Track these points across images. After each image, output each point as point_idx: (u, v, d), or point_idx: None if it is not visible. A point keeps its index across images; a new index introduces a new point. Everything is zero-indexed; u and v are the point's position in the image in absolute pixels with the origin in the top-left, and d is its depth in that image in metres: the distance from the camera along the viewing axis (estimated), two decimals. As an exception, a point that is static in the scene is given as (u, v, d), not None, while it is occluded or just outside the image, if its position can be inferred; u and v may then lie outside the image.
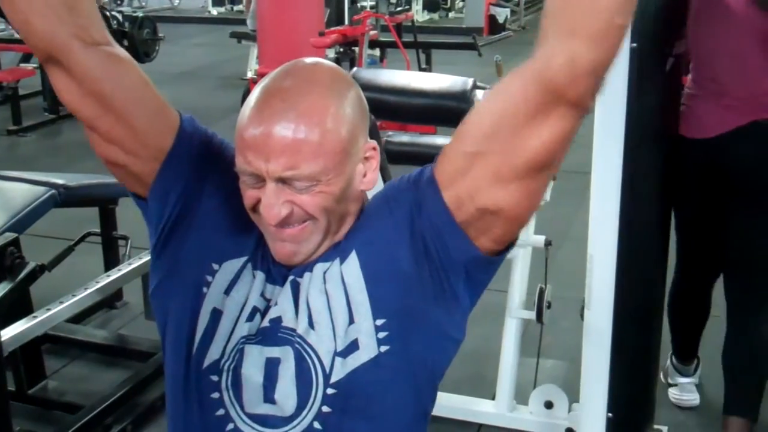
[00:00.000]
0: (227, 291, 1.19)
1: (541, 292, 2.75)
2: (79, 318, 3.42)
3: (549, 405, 2.75)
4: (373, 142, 1.21)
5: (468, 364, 2.93)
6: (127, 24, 7.29)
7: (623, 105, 2.09)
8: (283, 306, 1.17)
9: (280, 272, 1.20)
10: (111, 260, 3.53)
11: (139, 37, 7.26)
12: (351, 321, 1.14)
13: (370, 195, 1.27)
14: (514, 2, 13.60)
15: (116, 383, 2.95)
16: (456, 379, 1.28)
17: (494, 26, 12.07)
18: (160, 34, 7.56)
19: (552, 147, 1.08)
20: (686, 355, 2.97)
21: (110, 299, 3.59)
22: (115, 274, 3.02)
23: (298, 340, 1.15)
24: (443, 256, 1.15)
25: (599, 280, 2.36)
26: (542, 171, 1.11)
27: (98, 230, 3.55)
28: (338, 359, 1.13)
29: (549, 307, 2.76)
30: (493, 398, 2.82)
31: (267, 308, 1.18)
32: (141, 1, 15.27)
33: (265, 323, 1.16)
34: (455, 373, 1.25)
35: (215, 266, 1.20)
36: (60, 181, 3.10)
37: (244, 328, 1.17)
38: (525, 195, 1.12)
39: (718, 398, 3.00)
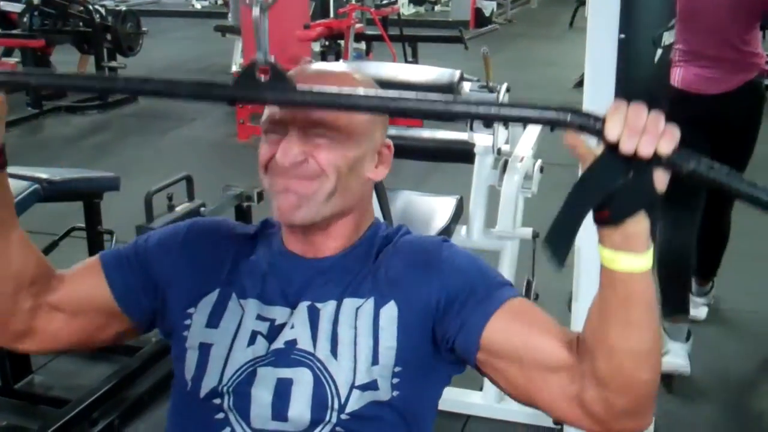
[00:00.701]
0: (210, 324, 1.23)
1: (529, 284, 2.75)
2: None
3: (537, 397, 2.75)
4: (390, 142, 1.28)
5: (456, 356, 2.92)
6: (110, 18, 7.26)
7: (611, 96, 2.09)
8: (299, 330, 1.20)
9: (282, 293, 1.23)
10: (96, 255, 3.51)
11: (122, 31, 7.23)
12: (375, 362, 1.17)
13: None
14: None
15: (103, 377, 2.93)
16: (444, 371, 1.30)
17: (480, 19, 12.08)
18: (143, 28, 7.53)
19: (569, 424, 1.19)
20: (679, 308, 3.04)
21: (96, 294, 3.57)
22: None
23: (318, 365, 1.17)
24: (453, 350, 1.21)
25: (587, 272, 2.36)
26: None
27: (83, 225, 3.53)
28: (356, 391, 1.16)
29: (537, 298, 2.76)
30: (481, 389, 2.82)
31: (273, 329, 1.20)
32: (124, -6, 15.18)
33: (279, 345, 1.19)
34: (443, 365, 1.27)
35: (191, 310, 1.25)
36: (44, 176, 3.07)
37: (247, 353, 1.20)
38: (525, 402, 1.19)
39: (709, 391, 3.02)
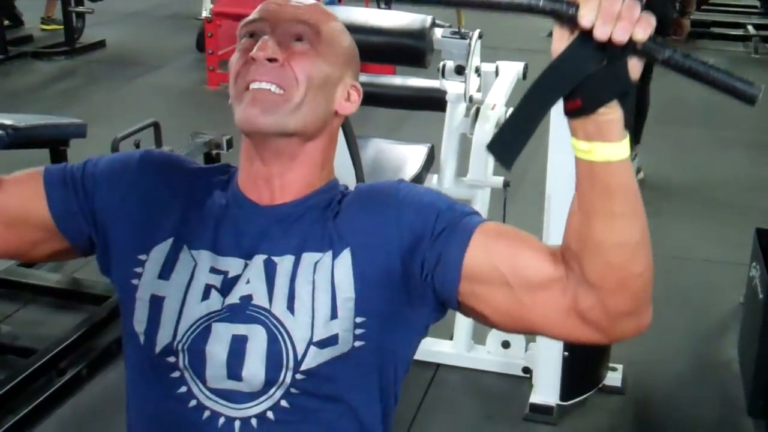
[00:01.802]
0: (162, 275, 1.17)
1: (500, 233, 2.74)
2: (31, 262, 3.36)
3: (506, 345, 2.77)
4: (359, 86, 1.22)
5: (426, 305, 2.94)
6: (77, -40, 7.09)
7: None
8: (255, 284, 1.14)
9: (236, 244, 1.17)
10: (63, 203, 3.47)
11: (90, -25, 7.07)
12: (334, 316, 1.12)
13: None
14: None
15: (70, 327, 2.91)
16: (414, 320, 1.27)
17: (454, -33, 11.93)
18: (111, -28, 7.37)
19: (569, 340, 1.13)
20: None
21: (63, 242, 3.53)
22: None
23: (273, 321, 1.12)
24: (428, 289, 1.14)
25: (557, 221, 2.36)
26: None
27: (49, 172, 3.48)
28: (313, 348, 1.11)
29: (507, 247, 2.76)
30: (452, 338, 2.84)
31: (226, 282, 1.15)
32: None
33: (234, 299, 1.14)
34: (413, 314, 1.24)
35: (142, 257, 1.18)
36: (8, 122, 3.02)
37: (201, 308, 1.14)
38: (516, 330, 1.16)
39: (674, 347, 3.06)
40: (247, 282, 1.14)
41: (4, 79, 6.66)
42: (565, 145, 2.43)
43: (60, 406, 2.67)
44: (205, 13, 7.44)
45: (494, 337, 2.78)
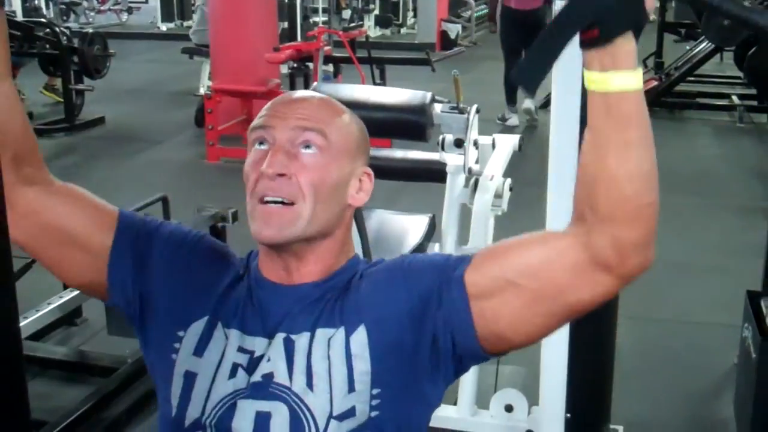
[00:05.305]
0: (197, 352, 1.23)
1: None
2: (37, 335, 3.39)
3: (509, 408, 2.81)
4: (370, 170, 1.29)
5: (429, 372, 2.98)
6: (77, 40, 7.24)
7: (576, 120, 2.17)
8: (276, 363, 1.19)
9: (262, 324, 1.23)
10: (70, 276, 3.51)
11: (89, 54, 7.20)
12: (352, 389, 1.17)
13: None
14: (465, 18, 13.76)
15: (79, 399, 2.93)
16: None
17: (446, 42, 12.21)
18: (110, 51, 7.52)
19: (588, 307, 1.15)
20: (513, 101, 7.36)
21: (69, 316, 3.57)
22: (75, 290, 3.01)
23: (294, 398, 1.17)
24: (448, 348, 1.20)
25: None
26: (568, 319, 1.18)
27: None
28: (334, 422, 1.17)
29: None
30: (455, 404, 2.88)
31: (252, 361, 1.21)
32: (88, 17, 15.11)
33: (257, 378, 1.19)
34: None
35: (180, 333, 1.25)
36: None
37: (228, 386, 1.20)
38: (542, 332, 1.18)
39: (673, 408, 3.10)
40: (268, 360, 1.20)
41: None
42: (562, 214, 2.49)
43: (70, 479, 2.70)
44: (202, 90, 7.61)
45: (497, 401, 2.82)
